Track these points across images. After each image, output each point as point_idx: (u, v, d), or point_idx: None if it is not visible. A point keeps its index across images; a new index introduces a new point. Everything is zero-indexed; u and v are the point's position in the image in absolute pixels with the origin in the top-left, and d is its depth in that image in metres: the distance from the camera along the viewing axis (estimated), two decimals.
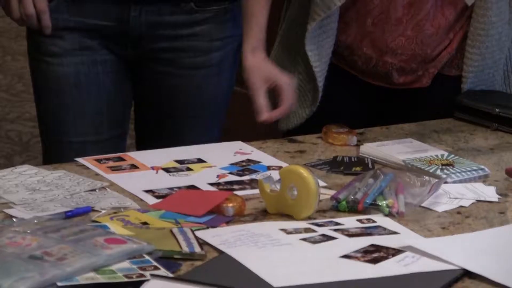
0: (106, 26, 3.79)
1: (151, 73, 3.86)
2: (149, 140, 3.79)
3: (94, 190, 3.01)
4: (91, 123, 3.70)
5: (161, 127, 3.81)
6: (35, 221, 2.74)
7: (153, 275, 2.47)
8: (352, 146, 3.51)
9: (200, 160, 3.29)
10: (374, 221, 2.82)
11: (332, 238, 2.70)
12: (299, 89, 3.84)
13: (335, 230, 2.77)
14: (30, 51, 3.87)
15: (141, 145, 3.82)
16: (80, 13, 3.75)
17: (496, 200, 3.04)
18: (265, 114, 3.30)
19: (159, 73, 3.88)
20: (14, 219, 2.81)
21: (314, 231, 2.75)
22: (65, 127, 3.65)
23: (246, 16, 3.56)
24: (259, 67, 3.33)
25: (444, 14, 3.72)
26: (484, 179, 3.20)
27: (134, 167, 3.22)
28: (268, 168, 3.26)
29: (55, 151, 3.61)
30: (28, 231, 2.61)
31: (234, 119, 3.98)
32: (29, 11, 3.62)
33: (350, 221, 2.80)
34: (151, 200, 2.95)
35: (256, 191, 2.96)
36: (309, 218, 2.83)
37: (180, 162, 3.28)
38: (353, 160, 3.34)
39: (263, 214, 2.88)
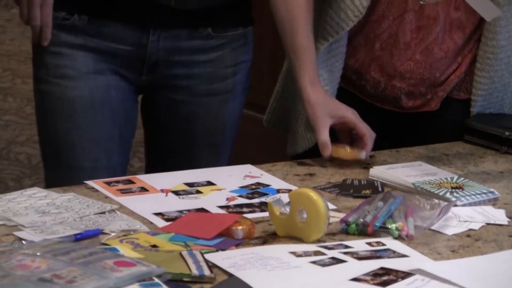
0: (124, 50, 3.74)
1: (166, 99, 3.84)
2: (161, 164, 3.74)
3: (103, 212, 3.02)
4: (103, 148, 3.68)
5: (175, 153, 3.86)
6: (45, 243, 2.71)
7: None
8: (362, 169, 3.46)
9: (209, 183, 3.29)
10: (383, 244, 2.81)
11: (342, 261, 2.69)
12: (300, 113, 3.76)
13: (345, 253, 2.74)
14: (37, 73, 3.84)
15: (152, 169, 3.80)
16: (98, 35, 3.73)
17: (506, 223, 3.06)
18: (329, 150, 3.33)
19: (174, 100, 3.87)
20: (24, 242, 2.78)
21: (323, 254, 2.73)
22: (77, 152, 3.60)
23: (297, 50, 3.53)
24: (324, 101, 3.36)
25: (452, 38, 3.72)
26: (494, 202, 3.22)
27: (143, 189, 3.21)
28: (278, 191, 3.25)
29: (63, 175, 3.55)
30: (38, 254, 2.58)
31: (242, 141, 3.94)
32: (34, 22, 3.65)
33: (359, 244, 2.78)
34: (160, 223, 2.95)
35: (266, 214, 2.97)
36: (318, 241, 2.82)
37: (190, 185, 3.26)
38: (362, 183, 3.31)
39: (273, 237, 2.88)
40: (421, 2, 3.44)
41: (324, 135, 3.27)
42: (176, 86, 3.88)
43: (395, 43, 3.74)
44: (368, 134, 3.32)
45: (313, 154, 3.70)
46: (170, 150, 3.90)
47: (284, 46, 3.76)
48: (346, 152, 3.12)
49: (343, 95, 3.76)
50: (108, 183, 3.26)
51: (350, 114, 3.34)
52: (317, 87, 3.41)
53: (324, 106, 3.35)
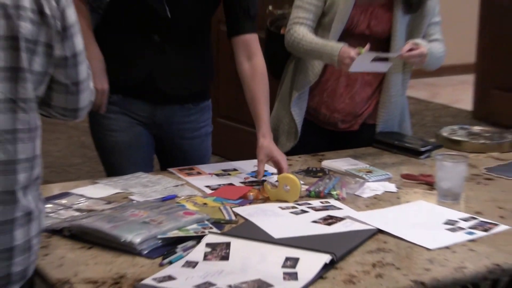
0: (144, 116, 3.80)
1: (171, 143, 3.88)
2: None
3: (177, 185, 3.30)
4: (137, 167, 3.65)
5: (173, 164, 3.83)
6: (145, 203, 2.98)
7: (210, 232, 2.68)
8: (317, 162, 3.68)
9: (234, 170, 3.57)
10: (329, 203, 3.09)
11: (306, 211, 3.00)
12: (287, 131, 4.03)
13: (308, 207, 3.04)
14: (94, 128, 3.85)
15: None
16: (129, 106, 3.74)
17: (395, 191, 3.28)
18: (260, 175, 3.31)
19: (175, 143, 3.88)
20: (134, 202, 3.03)
21: (296, 208, 3.03)
22: (122, 170, 3.61)
23: (257, 118, 3.47)
24: (267, 147, 3.33)
25: (365, 90, 3.97)
26: (388, 180, 3.41)
27: (199, 173, 3.49)
28: (272, 174, 3.46)
29: None
30: (142, 208, 2.81)
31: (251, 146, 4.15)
32: (102, 86, 3.53)
33: (316, 203, 3.09)
34: (208, 191, 3.24)
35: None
36: (294, 201, 3.08)
37: (224, 170, 3.55)
38: (318, 169, 3.56)
39: (268, 200, 3.12)
40: (349, 71, 3.58)
41: (261, 168, 3.31)
42: (176, 135, 3.86)
43: (335, 93, 3.95)
44: (282, 161, 3.34)
45: (289, 154, 3.83)
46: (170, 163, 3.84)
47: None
48: (268, 190, 3.14)
49: (306, 123, 4.02)
50: (180, 170, 3.54)
51: (277, 155, 3.36)
52: (266, 137, 3.40)
53: (266, 149, 3.34)
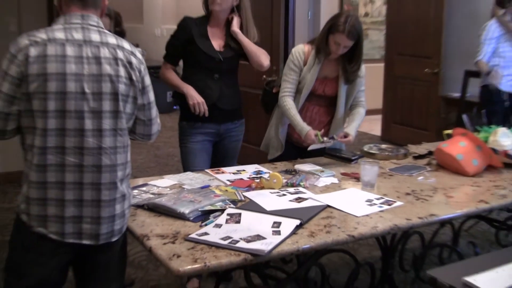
0: (211, 132, 3.71)
1: (223, 145, 3.76)
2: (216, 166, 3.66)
3: (210, 179, 3.13)
4: (204, 165, 3.62)
5: (222, 165, 3.63)
6: (191, 189, 2.89)
7: (229, 207, 2.63)
8: (292, 166, 3.47)
9: (244, 170, 3.34)
10: (299, 189, 2.97)
11: (285, 195, 2.87)
12: (275, 146, 3.81)
13: (287, 192, 2.92)
14: (181, 140, 3.73)
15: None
16: (203, 128, 3.66)
17: (337, 182, 3.17)
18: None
19: (225, 145, 3.76)
20: (184, 188, 2.95)
21: (279, 192, 2.91)
22: (195, 166, 3.57)
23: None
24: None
25: (319, 126, 3.64)
26: (333, 176, 3.26)
27: (223, 172, 3.31)
28: (265, 172, 3.26)
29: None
30: (189, 193, 2.78)
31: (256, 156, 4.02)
32: (200, 100, 3.53)
33: (291, 190, 2.96)
34: (228, 183, 3.09)
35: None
36: (279, 189, 2.95)
37: (237, 170, 3.34)
38: (292, 170, 3.35)
39: (264, 189, 2.96)
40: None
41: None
42: (226, 140, 3.75)
43: (312, 123, 3.63)
44: None
45: (277, 159, 3.72)
46: (220, 161, 3.76)
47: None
48: (263, 182, 3.04)
49: (287, 141, 3.76)
50: (212, 170, 3.34)
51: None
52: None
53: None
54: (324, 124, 3.72)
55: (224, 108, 3.69)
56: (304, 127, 3.56)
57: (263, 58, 3.72)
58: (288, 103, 3.61)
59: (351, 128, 3.62)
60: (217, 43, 3.63)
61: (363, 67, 3.66)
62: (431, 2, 7.43)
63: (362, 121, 3.74)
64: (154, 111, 2.46)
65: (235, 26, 3.64)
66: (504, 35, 5.42)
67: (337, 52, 3.49)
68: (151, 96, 2.43)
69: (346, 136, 3.58)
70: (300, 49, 3.64)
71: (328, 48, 3.51)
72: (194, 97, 3.56)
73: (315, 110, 3.69)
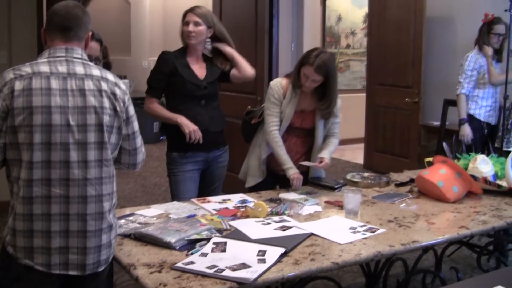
0: (201, 161, 3.74)
1: (210, 171, 3.77)
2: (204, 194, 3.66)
3: (196, 209, 3.12)
4: (191, 194, 3.62)
5: (209, 191, 3.76)
6: (177, 219, 2.88)
7: (215, 236, 2.62)
8: (277, 194, 3.47)
9: (229, 199, 3.32)
10: (283, 218, 2.96)
11: (270, 223, 2.86)
12: (254, 174, 3.78)
13: (271, 221, 2.90)
14: (170, 168, 3.73)
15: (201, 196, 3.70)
16: (193, 158, 3.68)
17: (321, 210, 3.16)
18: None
19: (212, 171, 3.79)
20: (171, 217, 2.92)
21: (264, 221, 2.90)
22: (183, 196, 3.57)
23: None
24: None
25: (295, 157, 3.67)
26: (317, 204, 3.24)
27: (208, 201, 3.30)
28: (250, 201, 3.25)
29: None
30: (176, 222, 2.75)
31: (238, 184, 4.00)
32: (194, 128, 3.55)
33: (276, 218, 2.95)
34: (214, 212, 3.08)
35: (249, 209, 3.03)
36: (264, 217, 2.95)
37: (223, 200, 3.32)
38: (277, 198, 3.35)
39: (249, 218, 2.95)
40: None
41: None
42: (213, 167, 3.78)
43: (290, 154, 3.64)
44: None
45: (257, 186, 3.74)
46: (207, 187, 3.80)
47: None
48: (248, 211, 3.02)
49: (267, 170, 3.75)
50: (198, 199, 3.33)
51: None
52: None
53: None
54: (301, 154, 3.74)
55: (216, 130, 3.75)
56: (290, 168, 3.58)
57: (250, 67, 3.84)
58: (278, 139, 3.62)
59: (325, 152, 3.63)
60: (198, 71, 3.69)
61: (339, 101, 3.67)
62: (410, 34, 7.48)
63: (336, 149, 3.77)
64: (139, 140, 2.46)
65: (225, 45, 3.78)
66: (484, 66, 5.42)
67: (306, 85, 3.52)
68: (136, 126, 2.43)
69: (321, 161, 3.59)
70: (278, 83, 3.68)
71: (299, 81, 3.54)
72: (189, 125, 3.57)
73: (293, 141, 3.71)
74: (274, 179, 3.80)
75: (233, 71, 3.83)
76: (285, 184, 3.70)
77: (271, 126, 3.65)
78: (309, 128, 3.69)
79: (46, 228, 2.17)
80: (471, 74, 5.44)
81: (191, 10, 3.65)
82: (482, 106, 5.48)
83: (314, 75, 3.44)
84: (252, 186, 3.79)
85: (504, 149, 5.19)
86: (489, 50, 5.46)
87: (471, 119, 5.52)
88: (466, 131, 5.43)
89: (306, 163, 3.66)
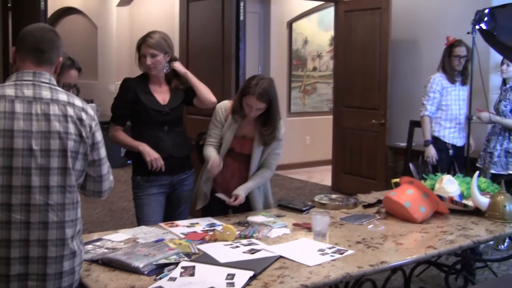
0: (166, 184, 3.72)
1: (175, 194, 3.75)
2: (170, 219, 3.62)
3: (164, 233, 3.10)
4: (157, 217, 3.62)
5: (176, 214, 3.76)
6: (145, 243, 2.85)
7: (183, 260, 2.60)
8: (245, 218, 3.44)
9: (197, 223, 3.30)
10: (251, 241, 2.96)
11: (239, 246, 2.85)
12: (201, 195, 3.76)
13: (240, 244, 2.89)
14: (133, 190, 3.72)
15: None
16: (158, 182, 3.66)
17: (289, 233, 3.15)
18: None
19: (178, 194, 3.76)
20: (139, 242, 2.90)
21: (233, 244, 2.89)
22: (150, 220, 3.53)
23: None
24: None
25: (244, 175, 3.63)
26: (285, 227, 3.24)
27: (176, 225, 3.27)
28: (219, 225, 3.24)
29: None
30: (143, 247, 2.74)
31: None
32: (156, 156, 3.54)
33: (244, 241, 2.94)
34: (182, 236, 3.05)
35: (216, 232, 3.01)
36: (232, 241, 2.93)
37: (191, 224, 3.30)
38: (245, 222, 3.33)
39: (217, 240, 2.93)
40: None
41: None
42: (179, 190, 3.77)
43: (221, 182, 3.69)
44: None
45: (201, 210, 3.78)
46: (174, 210, 3.78)
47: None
48: (217, 234, 3.02)
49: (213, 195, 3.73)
50: (165, 224, 3.31)
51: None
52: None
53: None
54: (244, 178, 3.68)
55: (180, 155, 3.73)
56: (211, 155, 3.59)
57: (211, 94, 3.80)
58: (209, 149, 3.65)
59: (241, 189, 3.60)
60: (161, 97, 3.70)
61: (282, 130, 3.68)
62: (376, 56, 7.59)
63: (263, 183, 3.73)
64: (105, 167, 2.43)
65: (182, 68, 3.76)
66: (447, 88, 5.50)
67: (251, 115, 3.52)
68: (102, 152, 2.40)
69: (236, 198, 3.53)
70: (223, 106, 3.70)
71: (243, 111, 3.54)
72: (150, 153, 3.57)
73: (236, 166, 3.70)
74: (223, 205, 3.69)
75: (196, 100, 3.83)
76: (237, 209, 3.64)
77: (207, 143, 3.70)
78: (249, 154, 3.67)
79: (5, 255, 2.14)
80: (433, 96, 5.52)
81: (144, 42, 3.61)
82: (445, 127, 5.55)
83: (258, 103, 3.45)
84: (205, 210, 3.78)
85: (494, 172, 5.36)
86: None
87: (436, 141, 5.59)
88: (431, 152, 5.51)
89: (221, 196, 3.61)
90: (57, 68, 2.37)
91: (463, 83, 5.56)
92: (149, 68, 3.62)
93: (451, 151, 5.57)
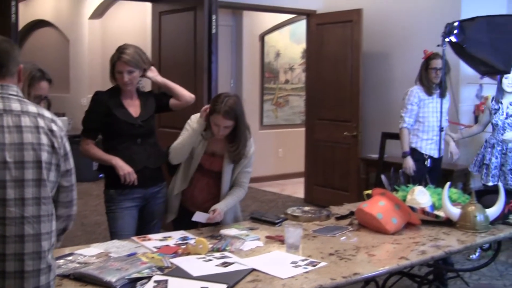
0: (140, 197, 3.71)
1: (148, 207, 3.73)
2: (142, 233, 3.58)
3: (137, 247, 3.07)
4: (130, 231, 3.60)
5: (149, 228, 3.73)
6: (118, 257, 2.83)
7: (155, 274, 2.60)
8: (217, 232, 3.40)
9: (170, 237, 3.28)
10: (224, 254, 2.95)
11: (212, 259, 2.85)
12: (173, 206, 3.76)
13: (213, 257, 2.89)
14: (106, 203, 3.70)
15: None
16: (131, 195, 3.65)
17: (262, 245, 3.15)
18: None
19: (151, 207, 3.74)
20: (111, 256, 2.88)
21: (205, 257, 2.88)
22: (123, 234, 3.51)
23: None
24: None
25: (214, 192, 3.61)
26: (258, 239, 3.23)
27: (149, 239, 3.25)
28: (191, 238, 3.22)
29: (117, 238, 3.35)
30: (116, 261, 2.71)
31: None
32: (129, 170, 3.54)
33: (217, 254, 2.93)
34: (155, 249, 3.03)
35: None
36: (205, 254, 2.92)
37: (164, 237, 3.27)
38: (218, 235, 3.31)
39: (190, 254, 2.92)
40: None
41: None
42: (151, 203, 3.74)
43: (189, 198, 3.69)
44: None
45: (176, 225, 3.74)
46: (147, 223, 3.77)
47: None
48: (190, 248, 3.01)
49: (183, 208, 3.72)
50: (138, 237, 3.29)
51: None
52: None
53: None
54: (214, 195, 3.66)
55: (155, 166, 3.74)
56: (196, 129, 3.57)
57: (187, 92, 3.87)
58: (173, 145, 3.65)
59: (220, 204, 3.55)
60: (133, 110, 3.69)
61: (252, 149, 3.65)
62: (347, 69, 7.66)
63: (238, 201, 3.70)
64: (74, 177, 2.43)
65: (159, 78, 3.82)
66: (425, 101, 5.53)
67: (219, 133, 3.50)
68: (72, 162, 2.40)
69: (214, 211, 3.47)
70: (197, 117, 3.63)
71: (211, 130, 3.53)
72: (124, 168, 3.57)
73: (205, 182, 3.68)
74: (191, 216, 3.68)
75: (172, 101, 3.87)
76: (207, 223, 3.60)
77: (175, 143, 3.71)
78: (218, 171, 3.65)
79: None
80: (411, 109, 5.54)
81: (120, 59, 3.59)
82: (423, 139, 5.58)
83: (224, 121, 3.43)
84: (175, 224, 3.76)
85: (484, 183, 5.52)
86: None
87: (414, 152, 5.62)
88: (409, 164, 5.54)
89: (198, 216, 3.45)
90: (20, 76, 2.34)
91: (442, 95, 5.57)
92: (125, 84, 3.62)
93: (428, 162, 5.60)
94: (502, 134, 5.55)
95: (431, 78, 5.54)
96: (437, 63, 5.48)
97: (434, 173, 5.51)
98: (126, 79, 3.58)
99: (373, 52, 7.61)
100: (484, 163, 5.62)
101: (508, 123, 5.53)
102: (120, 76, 3.60)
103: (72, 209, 2.43)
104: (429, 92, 5.57)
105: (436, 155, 5.63)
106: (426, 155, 5.60)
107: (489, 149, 5.62)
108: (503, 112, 5.55)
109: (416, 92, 5.57)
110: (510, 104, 5.53)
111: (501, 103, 5.56)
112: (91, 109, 3.68)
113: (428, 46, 5.56)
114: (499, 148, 5.54)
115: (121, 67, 3.58)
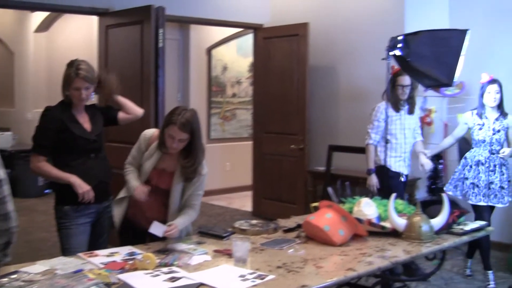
0: (94, 212, 3.69)
1: (99, 222, 3.71)
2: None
3: (83, 263, 3.00)
4: (84, 246, 3.56)
5: (99, 243, 3.71)
6: (64, 274, 2.74)
7: None
8: (165, 245, 3.34)
9: (117, 252, 3.18)
10: (172, 269, 2.90)
11: (159, 275, 2.81)
12: (116, 215, 3.69)
13: (160, 272, 2.85)
14: (59, 220, 3.63)
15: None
16: (85, 211, 3.63)
17: (210, 259, 3.12)
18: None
19: (101, 222, 3.72)
20: (57, 273, 2.77)
21: (153, 273, 2.83)
22: (74, 252, 3.36)
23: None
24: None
25: (162, 210, 3.50)
26: (206, 253, 3.21)
27: (96, 255, 3.14)
28: (139, 254, 3.12)
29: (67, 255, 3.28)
30: (62, 278, 2.64)
31: None
32: (87, 188, 3.52)
33: (165, 269, 2.89)
34: (101, 265, 2.94)
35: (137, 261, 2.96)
36: (152, 269, 2.87)
37: (111, 253, 3.15)
38: (165, 249, 3.23)
39: (138, 269, 2.87)
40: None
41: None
42: (102, 218, 3.73)
43: (143, 211, 3.55)
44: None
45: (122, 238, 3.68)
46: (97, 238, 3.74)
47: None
48: (137, 263, 2.96)
49: (127, 222, 3.66)
50: (84, 254, 3.18)
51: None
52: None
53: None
54: (163, 213, 3.55)
55: (109, 180, 3.77)
56: (134, 184, 3.52)
57: (137, 106, 3.97)
58: (129, 169, 3.61)
59: (177, 220, 3.44)
60: (86, 125, 3.68)
61: (205, 170, 3.59)
62: (294, 82, 7.74)
63: (190, 221, 3.59)
64: (10, 205, 2.38)
65: (115, 91, 3.83)
66: (392, 117, 5.46)
67: (173, 146, 3.42)
68: (6, 190, 2.32)
69: (171, 225, 3.38)
70: (148, 134, 3.63)
71: (165, 144, 3.46)
72: (82, 186, 3.54)
73: (153, 199, 3.55)
74: (135, 233, 3.63)
75: (121, 114, 3.88)
76: (155, 236, 3.52)
77: (126, 169, 3.63)
78: (164, 188, 3.56)
79: None
80: (378, 125, 5.49)
81: (78, 75, 3.54)
82: (391, 156, 5.50)
83: (180, 133, 3.36)
84: (122, 237, 3.66)
85: (473, 203, 5.42)
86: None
87: (386, 170, 5.53)
88: (373, 181, 5.49)
89: (155, 228, 3.33)
90: None
91: (410, 111, 5.57)
92: (81, 100, 3.60)
93: (403, 178, 5.53)
94: (490, 151, 5.37)
95: (398, 94, 5.47)
96: (404, 79, 5.44)
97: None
98: (84, 96, 3.57)
99: (320, 66, 7.68)
100: (472, 183, 5.42)
101: (496, 139, 5.37)
102: (78, 92, 3.56)
103: (10, 221, 2.36)
104: (396, 109, 5.50)
105: (405, 172, 5.58)
106: (396, 172, 5.54)
107: (475, 167, 5.43)
108: (489, 128, 5.39)
109: (383, 108, 5.46)
110: (497, 120, 5.40)
111: (486, 118, 5.40)
112: (43, 125, 3.59)
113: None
114: (486, 166, 5.38)
115: (80, 83, 3.54)
